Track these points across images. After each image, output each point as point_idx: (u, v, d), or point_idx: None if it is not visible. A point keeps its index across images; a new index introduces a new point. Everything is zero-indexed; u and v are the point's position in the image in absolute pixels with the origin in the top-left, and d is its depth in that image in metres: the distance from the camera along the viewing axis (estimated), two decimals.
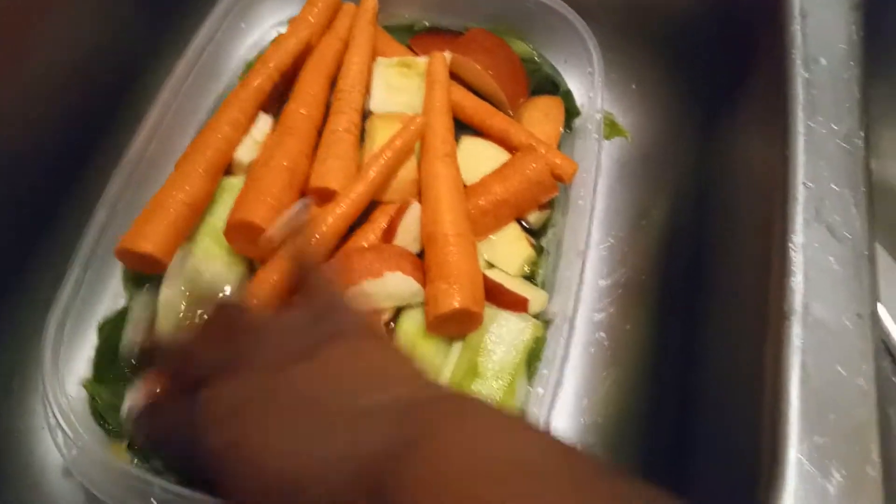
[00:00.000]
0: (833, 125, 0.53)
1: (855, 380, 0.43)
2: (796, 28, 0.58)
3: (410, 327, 0.61)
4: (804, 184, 0.50)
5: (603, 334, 0.69)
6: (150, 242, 0.58)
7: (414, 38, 0.80)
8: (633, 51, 0.79)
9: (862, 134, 0.52)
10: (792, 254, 0.48)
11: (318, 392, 0.34)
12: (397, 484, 0.28)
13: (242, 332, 0.40)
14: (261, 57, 0.73)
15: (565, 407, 0.65)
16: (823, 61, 0.56)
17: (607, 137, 0.79)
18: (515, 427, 0.32)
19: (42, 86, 0.65)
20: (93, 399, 0.57)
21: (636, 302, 0.70)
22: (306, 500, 0.31)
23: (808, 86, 0.54)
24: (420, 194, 0.65)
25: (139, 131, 0.66)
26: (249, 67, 0.76)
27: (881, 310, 0.65)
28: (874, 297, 0.46)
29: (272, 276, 0.59)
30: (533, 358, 0.59)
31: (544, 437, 0.31)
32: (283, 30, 0.78)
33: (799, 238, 0.48)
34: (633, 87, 0.80)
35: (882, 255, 0.73)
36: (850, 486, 0.40)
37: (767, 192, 0.53)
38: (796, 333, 0.45)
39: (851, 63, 0.56)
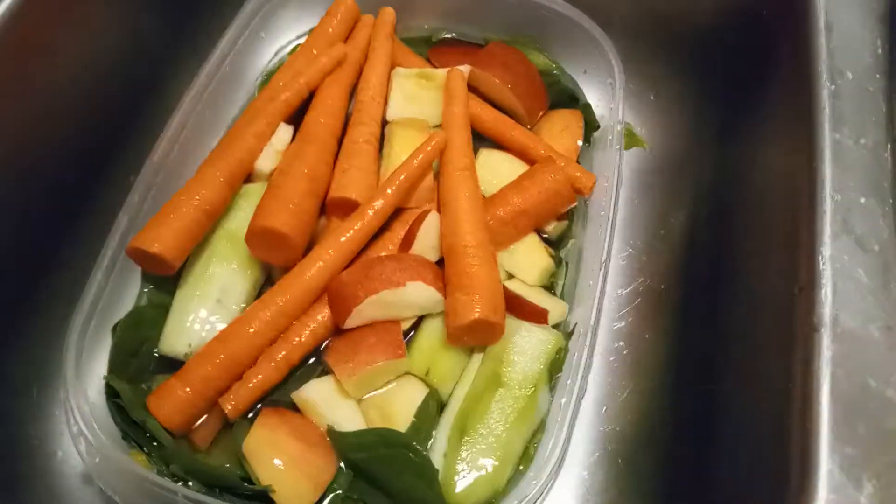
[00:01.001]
0: (860, 137, 0.53)
1: (884, 390, 0.43)
2: (821, 41, 0.58)
3: (431, 337, 0.61)
4: (831, 196, 0.50)
5: (622, 343, 0.69)
6: (159, 243, 0.58)
7: (432, 49, 0.80)
8: (652, 61, 0.79)
9: (889, 146, 0.52)
10: (820, 266, 0.47)
11: None
12: None
13: None
14: (290, 70, 0.73)
15: (585, 415, 0.65)
16: (849, 74, 0.56)
17: (626, 148, 0.79)
18: None
19: (67, 94, 0.66)
20: (113, 395, 0.57)
21: (655, 311, 0.70)
22: None
23: (834, 98, 0.54)
24: (439, 205, 0.65)
25: (161, 139, 0.66)
26: (270, 76, 0.77)
27: None
28: None
29: None
30: (555, 368, 0.59)
31: None
32: (303, 40, 0.78)
33: (827, 250, 0.48)
34: (652, 97, 0.80)
35: None
36: (883, 497, 0.40)
37: (792, 204, 0.53)
38: (826, 345, 0.45)
39: (877, 76, 0.56)
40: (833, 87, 0.55)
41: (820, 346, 0.45)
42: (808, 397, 0.43)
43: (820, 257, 0.48)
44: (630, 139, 0.80)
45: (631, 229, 0.75)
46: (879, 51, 0.57)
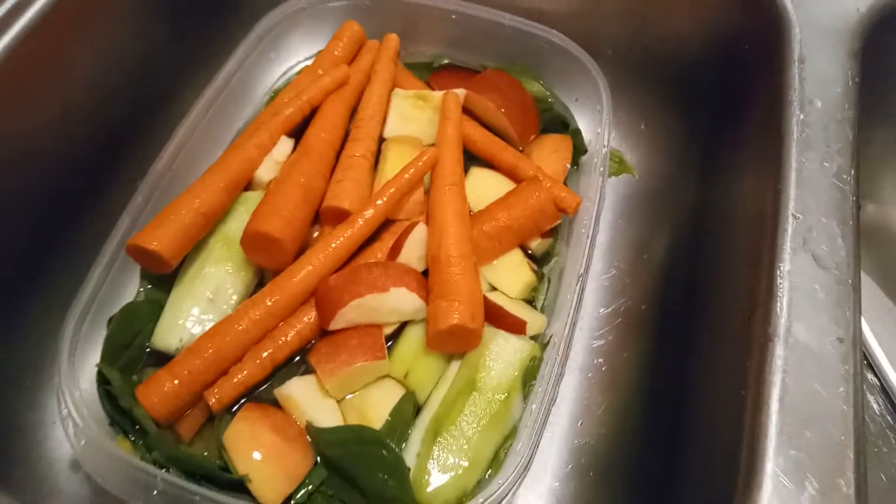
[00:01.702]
0: (825, 162, 0.55)
1: (833, 399, 0.45)
2: (794, 72, 0.61)
3: (412, 342, 0.63)
4: (793, 215, 0.52)
5: (601, 360, 0.70)
6: (158, 241, 0.61)
7: (433, 74, 0.84)
8: (642, 92, 0.82)
9: (852, 172, 0.55)
10: (778, 280, 0.49)
11: None
12: None
13: None
14: (293, 86, 0.77)
15: (561, 428, 0.67)
16: (818, 103, 0.59)
17: (615, 174, 0.82)
18: None
19: (82, 100, 0.70)
20: (104, 383, 0.59)
21: (635, 330, 0.72)
22: None
23: (803, 125, 0.57)
24: (427, 217, 0.67)
25: (167, 146, 0.70)
26: (277, 94, 0.80)
27: (877, 350, 0.66)
28: (857, 324, 0.48)
29: None
30: (529, 376, 0.61)
31: None
32: (311, 62, 0.82)
33: (785, 265, 0.50)
34: (642, 127, 0.83)
35: (883, 299, 0.75)
36: (823, 499, 0.41)
37: (759, 224, 0.55)
38: (778, 354, 0.46)
39: (846, 106, 0.59)
40: (802, 115, 0.58)
41: (773, 354, 0.46)
42: (758, 402, 0.45)
43: (778, 272, 0.50)
44: (620, 166, 0.83)
45: (615, 252, 0.77)
46: (850, 83, 0.60)
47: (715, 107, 0.76)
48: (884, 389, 0.71)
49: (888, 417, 0.69)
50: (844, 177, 0.54)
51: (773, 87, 0.62)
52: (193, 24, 0.81)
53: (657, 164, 0.82)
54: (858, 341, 0.47)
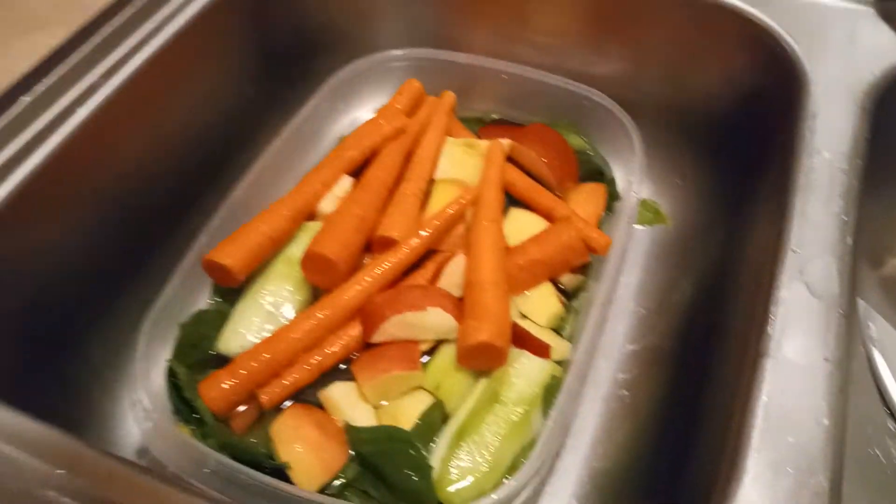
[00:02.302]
0: (826, 204, 0.60)
1: (815, 412, 0.48)
2: (806, 125, 0.66)
3: (445, 359, 0.69)
4: (792, 250, 0.57)
5: (625, 392, 0.75)
6: (229, 258, 0.70)
7: (483, 127, 0.92)
8: (679, 148, 0.89)
9: (853, 214, 0.59)
10: (772, 305, 0.54)
11: None
12: None
13: None
14: (356, 133, 0.87)
15: (581, 451, 0.71)
16: (826, 154, 0.64)
17: (651, 223, 0.88)
18: None
19: (178, 136, 0.81)
20: (173, 377, 0.67)
21: (659, 365, 0.76)
22: None
23: (809, 171, 0.62)
24: (466, 249, 0.74)
25: (244, 179, 0.79)
26: (342, 140, 0.90)
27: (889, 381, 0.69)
28: (844, 346, 0.52)
29: None
30: (549, 394, 0.66)
31: None
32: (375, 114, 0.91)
33: (781, 293, 0.55)
34: (679, 181, 0.89)
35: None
36: (798, 491, 0.45)
37: (762, 258, 0.60)
38: (768, 368, 0.51)
39: (854, 158, 0.64)
40: (809, 163, 0.63)
41: (763, 368, 0.51)
42: (745, 409, 0.49)
43: (773, 298, 0.54)
44: (656, 216, 0.88)
45: (646, 293, 0.82)
46: (859, 137, 0.65)
47: (742, 161, 0.81)
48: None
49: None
50: (844, 218, 0.59)
51: (787, 140, 0.67)
52: (277, 78, 0.93)
53: (690, 214, 0.87)
54: (845, 363, 0.51)
